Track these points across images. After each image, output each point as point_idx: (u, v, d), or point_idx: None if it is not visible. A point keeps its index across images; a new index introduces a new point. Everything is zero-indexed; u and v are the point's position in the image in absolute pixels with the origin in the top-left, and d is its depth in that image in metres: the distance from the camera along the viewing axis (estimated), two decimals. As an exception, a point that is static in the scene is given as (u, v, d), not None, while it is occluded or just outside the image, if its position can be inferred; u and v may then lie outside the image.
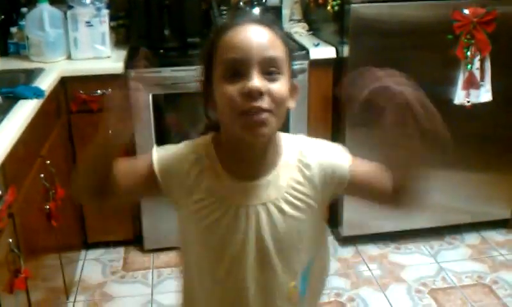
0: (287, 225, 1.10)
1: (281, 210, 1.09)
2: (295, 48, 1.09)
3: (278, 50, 1.02)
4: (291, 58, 1.07)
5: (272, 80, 1.00)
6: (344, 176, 1.13)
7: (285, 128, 2.95)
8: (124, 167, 1.11)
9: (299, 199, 1.10)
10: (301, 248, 1.14)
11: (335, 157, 1.14)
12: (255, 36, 1.01)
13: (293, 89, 1.08)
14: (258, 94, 0.98)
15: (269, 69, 1.00)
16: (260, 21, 1.04)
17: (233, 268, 1.10)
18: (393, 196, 1.15)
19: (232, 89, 0.99)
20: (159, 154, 1.13)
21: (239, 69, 0.99)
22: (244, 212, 1.08)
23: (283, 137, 1.14)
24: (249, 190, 1.09)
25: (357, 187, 1.16)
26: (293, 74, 1.08)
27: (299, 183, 1.11)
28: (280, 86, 1.01)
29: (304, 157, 1.12)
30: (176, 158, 1.12)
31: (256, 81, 0.98)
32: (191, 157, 1.11)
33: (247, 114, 0.99)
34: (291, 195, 1.10)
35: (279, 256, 1.11)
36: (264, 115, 0.99)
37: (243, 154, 1.08)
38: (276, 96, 1.00)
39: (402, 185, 1.14)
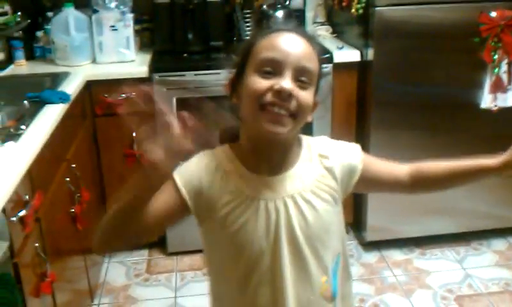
0: (315, 216, 1.12)
1: (308, 202, 1.12)
2: (324, 69, 1.15)
3: (313, 64, 1.07)
4: (320, 76, 1.12)
5: (302, 88, 1.05)
6: (357, 166, 1.19)
7: (309, 131, 2.94)
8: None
9: (324, 191, 1.14)
10: (328, 241, 1.16)
11: (350, 150, 1.21)
12: (295, 44, 1.06)
13: (315, 104, 1.12)
14: (287, 95, 1.02)
15: (302, 77, 1.05)
16: (302, 33, 1.09)
17: (268, 264, 1.11)
18: (410, 186, 1.26)
19: (263, 83, 1.03)
20: (180, 176, 1.11)
21: (274, 68, 1.04)
22: (273, 205, 1.10)
23: (304, 137, 1.19)
24: (276, 184, 1.12)
25: (369, 180, 1.22)
26: (318, 91, 1.12)
27: (322, 175, 1.15)
28: (307, 95, 1.06)
29: (323, 151, 1.17)
30: (198, 172, 1.12)
31: (289, 82, 1.02)
32: (211, 165, 1.12)
33: (269, 109, 1.02)
34: (317, 187, 1.14)
35: (309, 247, 1.12)
36: (285, 115, 1.03)
37: (265, 151, 1.11)
38: (302, 102, 1.04)
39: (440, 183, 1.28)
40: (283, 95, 1.02)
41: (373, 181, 1.24)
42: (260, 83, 1.03)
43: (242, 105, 1.09)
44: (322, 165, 1.16)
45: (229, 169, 1.12)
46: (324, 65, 2.65)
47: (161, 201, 1.08)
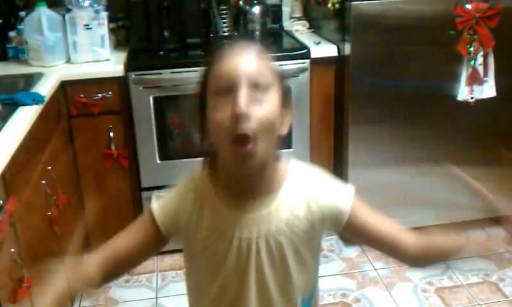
0: (286, 259, 1.11)
1: (280, 243, 1.10)
2: (285, 77, 1.10)
3: (264, 74, 1.02)
4: (282, 84, 1.06)
5: (260, 103, 1.00)
6: (341, 218, 1.13)
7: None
8: (125, 242, 1.17)
9: (301, 231, 1.11)
10: (299, 281, 1.15)
11: (338, 197, 1.13)
12: (241, 62, 1.02)
13: (285, 115, 1.07)
14: (245, 117, 0.97)
15: (257, 92, 1.00)
16: (248, 49, 1.05)
17: (235, 296, 1.13)
18: (414, 259, 1.19)
19: (221, 115, 0.99)
20: (159, 213, 1.15)
21: (227, 91, 0.99)
22: (246, 244, 1.09)
23: (289, 165, 1.14)
24: (250, 222, 1.09)
25: (357, 233, 1.16)
26: (286, 100, 1.07)
27: (299, 216, 1.10)
28: (268, 109, 1.00)
29: (307, 190, 1.11)
30: (177, 204, 1.14)
31: (243, 104, 0.97)
32: (191, 197, 1.13)
33: (235, 143, 0.99)
34: (291, 228, 1.10)
35: (278, 288, 1.13)
36: (251, 145, 0.99)
37: (240, 181, 1.08)
38: (264, 119, 0.99)
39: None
40: (241, 119, 0.97)
41: (362, 233, 1.16)
42: (219, 116, 1.00)
43: (213, 141, 1.06)
44: (302, 205, 1.10)
45: (207, 203, 1.11)
46: (300, 60, 2.65)
47: (141, 235, 1.16)
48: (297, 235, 1.10)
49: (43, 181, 2.05)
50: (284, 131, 1.07)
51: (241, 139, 0.98)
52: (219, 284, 1.12)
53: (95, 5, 2.68)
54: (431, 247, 1.17)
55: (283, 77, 1.08)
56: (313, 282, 1.21)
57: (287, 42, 3.02)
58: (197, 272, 1.17)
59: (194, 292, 1.23)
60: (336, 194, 1.13)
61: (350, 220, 1.13)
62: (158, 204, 1.15)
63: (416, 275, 2.66)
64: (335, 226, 1.14)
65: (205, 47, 2.87)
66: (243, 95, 0.98)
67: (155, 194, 1.19)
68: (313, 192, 1.11)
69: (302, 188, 1.11)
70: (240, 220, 1.09)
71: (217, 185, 1.11)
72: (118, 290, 2.65)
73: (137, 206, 2.80)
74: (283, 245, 1.10)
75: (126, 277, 2.73)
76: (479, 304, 2.45)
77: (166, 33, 2.81)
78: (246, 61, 1.02)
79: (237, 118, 0.97)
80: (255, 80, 1.00)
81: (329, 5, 2.70)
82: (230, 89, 0.99)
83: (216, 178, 1.12)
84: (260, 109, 0.99)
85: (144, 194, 2.75)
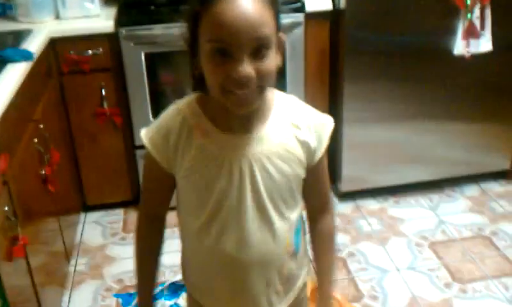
0: (280, 178, 1.12)
1: (274, 164, 1.11)
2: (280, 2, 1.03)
3: (267, 26, 0.97)
4: (278, 15, 1.01)
5: (261, 57, 0.97)
6: (315, 158, 1.17)
7: (282, 83, 2.88)
8: (157, 203, 1.29)
9: (291, 158, 1.13)
10: (294, 203, 1.17)
11: (324, 133, 1.17)
12: (243, 13, 0.94)
13: (279, 44, 1.04)
14: (247, 80, 0.97)
15: (259, 47, 0.96)
16: None
17: (232, 221, 1.12)
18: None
19: (221, 70, 0.97)
20: (150, 140, 1.13)
21: (227, 49, 0.95)
22: (237, 165, 1.09)
23: (276, 94, 1.15)
24: (242, 144, 1.10)
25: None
26: (279, 28, 1.03)
27: (291, 144, 1.13)
28: (269, 62, 0.99)
29: (296, 120, 1.14)
30: (165, 131, 1.12)
31: (246, 67, 0.96)
32: (177, 120, 1.11)
33: (232, 92, 0.98)
34: (284, 153, 1.12)
35: (274, 206, 1.13)
36: (251, 94, 1.00)
37: (233, 114, 1.07)
38: (265, 73, 0.99)
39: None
40: (242, 81, 0.96)
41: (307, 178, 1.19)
42: (218, 70, 0.97)
43: (206, 78, 1.02)
44: (293, 134, 1.13)
45: (194, 124, 1.10)
46: (294, 15, 2.60)
47: (154, 180, 1.20)
48: (291, 154, 1.12)
49: (35, 140, 2.03)
50: (279, 62, 1.04)
51: (241, 91, 0.98)
52: (212, 203, 1.11)
53: (84, -42, 2.61)
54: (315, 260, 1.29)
55: (278, 5, 1.01)
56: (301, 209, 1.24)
57: (280, -4, 2.96)
58: (187, 198, 1.17)
59: (186, 220, 1.21)
60: (324, 130, 1.17)
61: (316, 163, 1.17)
62: (149, 142, 1.13)
63: (410, 230, 2.68)
64: (304, 160, 1.16)
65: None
66: (246, 52, 0.95)
67: (142, 129, 1.16)
68: (303, 119, 1.14)
69: (292, 114, 1.14)
70: (232, 142, 1.09)
71: (207, 109, 1.11)
72: (114, 247, 2.66)
73: (131, 164, 2.79)
74: (277, 164, 1.11)
75: (122, 235, 2.75)
76: (472, 258, 2.48)
77: (157, -13, 2.74)
78: (248, 10, 0.94)
79: (240, 80, 0.96)
80: (257, 36, 0.95)
81: (324, -43, 2.63)
82: (232, 45, 0.95)
83: (207, 103, 1.11)
84: (261, 63, 0.97)
85: (138, 152, 2.73)
